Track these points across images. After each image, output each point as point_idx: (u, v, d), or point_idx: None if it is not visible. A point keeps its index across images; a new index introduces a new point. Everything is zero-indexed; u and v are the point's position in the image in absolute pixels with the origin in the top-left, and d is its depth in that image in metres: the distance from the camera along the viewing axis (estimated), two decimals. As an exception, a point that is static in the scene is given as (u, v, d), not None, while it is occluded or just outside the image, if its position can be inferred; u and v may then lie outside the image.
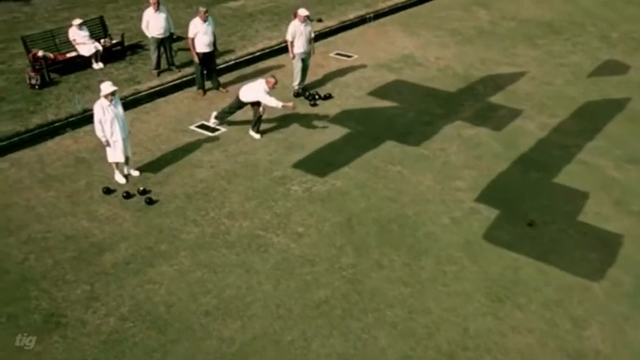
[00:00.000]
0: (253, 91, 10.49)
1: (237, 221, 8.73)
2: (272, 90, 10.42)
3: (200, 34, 11.85)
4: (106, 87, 9.07)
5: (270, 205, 9.10)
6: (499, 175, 9.96)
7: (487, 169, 10.15)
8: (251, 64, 14.07)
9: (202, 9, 11.95)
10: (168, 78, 13.00)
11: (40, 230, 8.49)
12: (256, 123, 10.86)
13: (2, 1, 18.14)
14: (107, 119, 9.14)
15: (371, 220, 8.82)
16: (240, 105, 10.76)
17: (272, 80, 10.37)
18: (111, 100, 9.10)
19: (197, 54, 12.00)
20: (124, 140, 9.38)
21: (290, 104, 10.61)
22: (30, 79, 12.41)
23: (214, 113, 11.15)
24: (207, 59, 12.23)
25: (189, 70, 13.27)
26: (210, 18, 12.15)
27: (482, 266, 8.00)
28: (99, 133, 9.22)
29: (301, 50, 12.10)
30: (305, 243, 8.33)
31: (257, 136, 10.89)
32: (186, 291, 7.47)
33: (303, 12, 12.09)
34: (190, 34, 11.93)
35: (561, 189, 9.61)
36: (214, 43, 12.21)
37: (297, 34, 11.97)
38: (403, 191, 9.50)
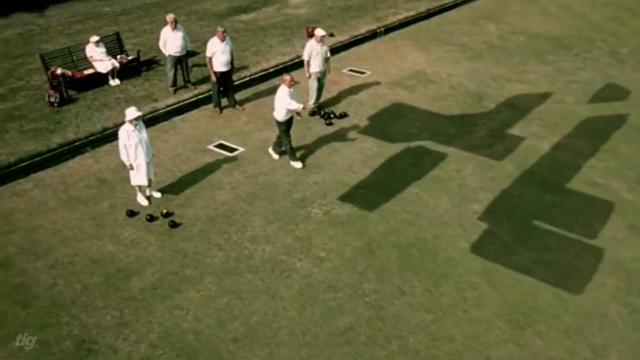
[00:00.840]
0: (277, 100, 10.56)
1: (259, 245, 8.90)
2: (292, 87, 10.47)
3: (218, 54, 12.04)
4: (131, 112, 9.23)
5: (291, 228, 9.27)
6: (514, 197, 10.13)
7: (502, 190, 10.32)
8: (265, 81, 14.24)
9: (220, 29, 12.13)
10: (185, 96, 13.18)
11: (67, 254, 8.66)
12: (280, 144, 10.93)
13: (16, 12, 18.32)
14: (132, 144, 9.30)
15: (391, 244, 8.99)
16: (279, 125, 10.69)
17: (287, 77, 10.50)
18: (135, 125, 9.26)
19: (214, 73, 12.17)
20: (147, 164, 9.54)
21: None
22: (49, 97, 12.58)
23: (270, 150, 11.07)
24: (225, 78, 12.42)
25: (204, 87, 13.46)
26: (227, 37, 12.32)
27: (502, 292, 8.17)
28: (123, 157, 9.38)
29: (317, 69, 12.28)
30: (327, 268, 8.51)
31: (276, 156, 11.04)
32: (214, 317, 7.64)
33: (320, 32, 12.27)
34: (208, 53, 12.11)
35: (576, 212, 9.77)
36: (231, 62, 12.38)
37: (314, 53, 12.15)
38: (421, 214, 9.67)
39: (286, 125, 10.63)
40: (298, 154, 11.02)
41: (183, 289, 8.08)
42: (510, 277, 8.41)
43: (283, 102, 10.41)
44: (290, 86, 10.47)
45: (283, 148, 10.87)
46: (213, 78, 12.29)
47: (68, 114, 12.33)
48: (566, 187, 10.43)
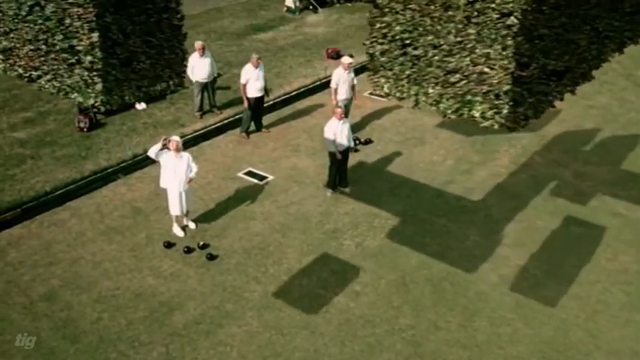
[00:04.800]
0: (325, 133, 10.74)
1: (296, 279, 9.13)
2: (340, 118, 10.62)
3: (252, 80, 12.33)
4: (176, 139, 9.61)
5: (325, 261, 9.50)
6: (540, 229, 10.36)
7: (528, 221, 10.55)
8: (288, 105, 14.47)
9: (255, 55, 12.42)
10: (211, 120, 13.40)
11: (110, 287, 8.89)
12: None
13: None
14: (167, 169, 9.58)
15: (424, 278, 9.22)
16: (333, 160, 10.84)
17: (339, 111, 10.69)
18: (177, 151, 9.48)
19: (248, 99, 12.43)
20: (180, 194, 9.72)
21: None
22: (79, 122, 12.80)
23: (329, 191, 11.10)
24: (257, 103, 12.68)
25: (230, 111, 13.69)
26: (262, 63, 12.55)
27: (534, 328, 8.40)
28: (153, 149, 9.62)
29: (344, 97, 12.52)
30: (364, 302, 8.74)
31: (329, 192, 11.10)
32: (257, 354, 7.87)
33: (346, 60, 12.53)
34: (242, 81, 12.38)
35: (602, 245, 10.01)
36: (265, 88, 12.65)
37: (341, 81, 12.39)
38: (450, 247, 9.90)
39: (333, 157, 10.80)
40: (324, 182, 11.28)
41: (226, 325, 8.30)
42: (542, 313, 8.65)
43: (327, 134, 10.64)
44: (340, 118, 10.60)
45: (329, 180, 11.08)
46: (246, 104, 12.54)
47: (98, 139, 12.55)
48: (591, 217, 10.66)
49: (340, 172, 11.05)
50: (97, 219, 10.36)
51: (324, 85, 14.68)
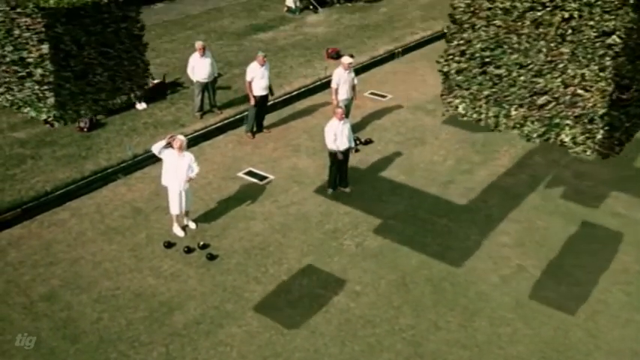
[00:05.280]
0: (326, 134, 10.72)
1: (296, 279, 9.13)
2: (340, 118, 10.58)
3: (257, 79, 12.37)
4: (181, 138, 9.63)
5: (326, 261, 9.50)
6: (541, 229, 10.36)
7: (528, 221, 10.55)
8: (289, 105, 14.48)
9: (261, 54, 12.46)
10: (211, 120, 13.41)
11: (110, 287, 8.88)
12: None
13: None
14: (168, 166, 9.58)
15: (424, 278, 9.22)
16: (333, 161, 10.84)
17: (339, 111, 10.68)
18: (180, 150, 9.48)
19: (254, 97, 12.44)
20: (185, 192, 9.73)
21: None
22: (79, 121, 12.77)
23: (329, 190, 11.11)
24: (262, 102, 12.72)
25: (230, 111, 13.70)
26: (267, 62, 12.56)
27: (534, 328, 8.40)
28: (156, 146, 9.62)
29: (344, 97, 12.52)
30: (364, 303, 8.74)
31: (329, 192, 11.10)
32: (257, 354, 7.87)
33: (347, 60, 12.54)
34: (248, 78, 12.41)
35: (601, 245, 10.01)
36: (270, 87, 12.65)
37: (342, 81, 12.39)
38: (451, 247, 9.90)
39: (333, 157, 10.80)
40: (324, 182, 11.29)
41: (226, 325, 8.30)
42: (542, 313, 8.64)
43: (326, 134, 10.64)
44: (340, 119, 10.59)
45: (330, 181, 11.08)
46: (252, 102, 12.55)
47: (98, 139, 12.55)
48: (590, 217, 10.67)
49: (341, 172, 11.05)
50: (97, 219, 10.36)
51: (325, 85, 14.71)
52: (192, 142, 12.66)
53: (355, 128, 13.40)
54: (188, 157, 9.66)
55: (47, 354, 7.77)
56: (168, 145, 9.52)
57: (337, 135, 10.58)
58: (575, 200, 11.15)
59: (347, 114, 12.82)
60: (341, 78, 12.39)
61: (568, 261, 9.64)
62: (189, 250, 9.58)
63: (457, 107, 6.32)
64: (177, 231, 10.03)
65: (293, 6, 20.82)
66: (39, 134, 12.69)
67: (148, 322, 8.31)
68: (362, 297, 8.84)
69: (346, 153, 10.91)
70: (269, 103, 13.61)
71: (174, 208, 9.89)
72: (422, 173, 11.85)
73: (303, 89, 14.99)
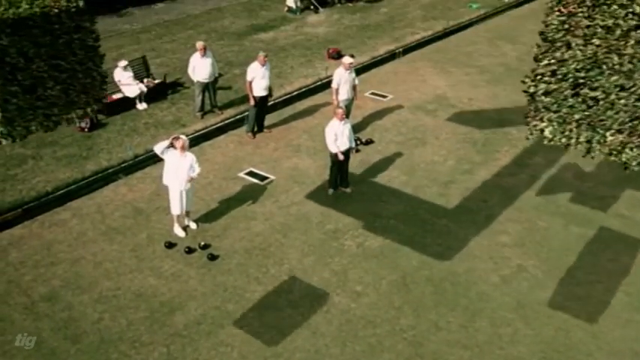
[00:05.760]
0: (326, 134, 10.69)
1: (297, 279, 9.13)
2: (341, 118, 10.56)
3: (258, 79, 12.35)
4: (184, 138, 9.66)
5: (327, 261, 9.50)
6: (541, 229, 10.35)
7: (529, 221, 10.55)
8: (289, 105, 14.48)
9: (262, 54, 12.45)
10: (212, 120, 13.41)
11: (111, 288, 8.89)
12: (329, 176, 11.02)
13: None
14: (169, 166, 9.58)
15: (424, 278, 9.22)
16: (334, 161, 10.82)
17: (340, 111, 10.64)
18: (182, 150, 9.48)
19: (254, 97, 12.44)
20: (186, 192, 9.73)
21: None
22: (80, 121, 12.78)
23: (330, 191, 11.12)
24: (263, 102, 12.71)
25: (231, 111, 13.70)
26: (268, 62, 12.55)
27: (535, 328, 8.40)
28: (158, 146, 9.62)
29: (345, 97, 12.51)
30: (365, 303, 8.74)
31: (330, 192, 11.13)
32: (258, 355, 7.87)
33: (347, 60, 12.52)
34: (248, 78, 12.39)
35: (603, 245, 10.00)
36: (270, 87, 12.65)
37: (342, 81, 12.38)
38: (451, 247, 9.90)
39: (334, 157, 10.76)
40: (325, 182, 11.30)
41: (226, 325, 8.30)
42: (543, 313, 8.64)
43: (327, 135, 10.62)
44: (341, 120, 10.57)
45: (331, 181, 11.08)
46: (252, 102, 12.54)
47: (99, 139, 12.56)
48: (591, 218, 10.66)
49: (341, 172, 11.05)
50: (98, 219, 10.37)
51: (325, 85, 14.70)
52: (193, 143, 12.63)
53: (356, 128, 13.40)
54: (190, 157, 9.66)
55: (48, 354, 7.78)
56: (171, 145, 9.53)
57: (338, 135, 10.58)
58: (576, 201, 11.15)
59: (347, 114, 12.82)
60: (342, 78, 12.38)
61: (568, 261, 9.63)
62: (190, 251, 9.59)
63: (543, 130, 5.91)
64: (178, 231, 10.04)
65: (294, 6, 20.83)
66: (39, 134, 12.66)
67: (148, 323, 8.31)
68: (363, 297, 8.84)
69: (347, 153, 10.91)
70: (269, 104, 13.62)
71: (175, 209, 9.89)
72: (422, 173, 11.85)
73: (303, 89, 14.98)
